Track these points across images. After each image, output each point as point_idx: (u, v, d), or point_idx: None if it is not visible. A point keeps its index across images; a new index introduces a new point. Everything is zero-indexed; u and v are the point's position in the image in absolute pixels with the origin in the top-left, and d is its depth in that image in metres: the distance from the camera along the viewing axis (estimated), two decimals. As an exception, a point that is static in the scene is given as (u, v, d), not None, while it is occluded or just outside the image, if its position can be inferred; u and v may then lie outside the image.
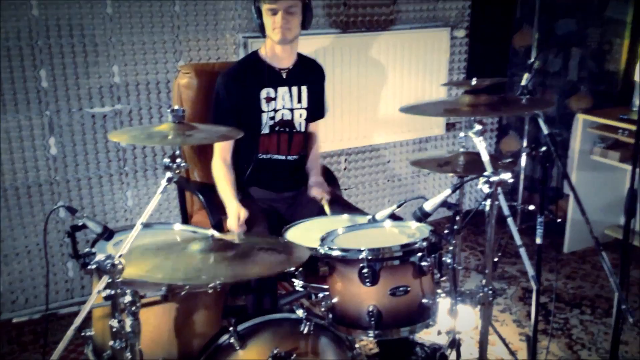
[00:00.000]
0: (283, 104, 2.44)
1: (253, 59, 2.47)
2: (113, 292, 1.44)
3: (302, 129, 2.52)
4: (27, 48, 2.67)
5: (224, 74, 2.44)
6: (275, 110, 2.43)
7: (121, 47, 2.85)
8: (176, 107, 1.55)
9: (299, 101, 2.48)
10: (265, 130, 2.44)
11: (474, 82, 1.88)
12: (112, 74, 2.87)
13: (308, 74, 2.51)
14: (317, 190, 2.47)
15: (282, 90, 2.44)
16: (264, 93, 2.41)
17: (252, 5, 2.36)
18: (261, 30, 2.38)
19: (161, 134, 1.58)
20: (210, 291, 1.69)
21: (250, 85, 2.39)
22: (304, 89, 2.48)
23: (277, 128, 2.45)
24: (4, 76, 2.66)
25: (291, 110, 2.46)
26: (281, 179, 2.51)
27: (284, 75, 2.44)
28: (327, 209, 2.37)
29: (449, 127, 3.89)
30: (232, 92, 2.39)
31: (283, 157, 2.49)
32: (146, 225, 1.66)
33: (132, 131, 1.79)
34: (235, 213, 2.24)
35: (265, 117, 2.42)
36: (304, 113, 2.50)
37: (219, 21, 3.04)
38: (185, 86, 2.59)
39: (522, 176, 3.93)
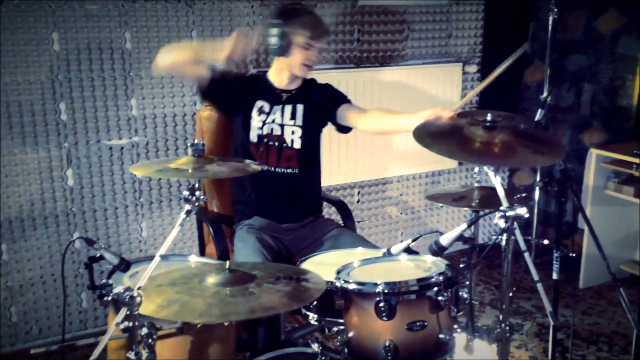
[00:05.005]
0: (274, 118, 2.48)
1: (260, 76, 2.57)
2: (131, 324, 1.44)
3: (295, 146, 2.49)
4: (47, 82, 2.73)
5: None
6: (264, 123, 2.46)
7: (139, 81, 2.91)
8: (196, 141, 1.58)
9: (292, 118, 2.49)
10: (254, 139, 2.46)
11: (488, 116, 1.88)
12: (129, 107, 2.92)
13: (309, 95, 2.53)
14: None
15: (277, 108, 2.49)
16: (258, 103, 2.48)
17: (273, 26, 2.34)
18: (277, 53, 2.39)
19: (182, 168, 1.60)
20: (226, 324, 1.70)
21: (250, 91, 2.48)
22: (300, 107, 2.51)
23: (265, 140, 2.47)
24: (25, 109, 2.71)
25: (281, 125, 2.48)
26: (280, 205, 2.50)
27: (284, 96, 2.50)
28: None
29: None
30: (236, 81, 2.50)
31: (272, 169, 2.48)
32: (163, 257, 1.67)
33: (153, 165, 1.81)
34: None
35: (253, 124, 2.46)
36: (298, 130, 2.49)
37: (235, 56, 3.10)
38: (207, 118, 2.66)
39: (535, 210, 3.91)
